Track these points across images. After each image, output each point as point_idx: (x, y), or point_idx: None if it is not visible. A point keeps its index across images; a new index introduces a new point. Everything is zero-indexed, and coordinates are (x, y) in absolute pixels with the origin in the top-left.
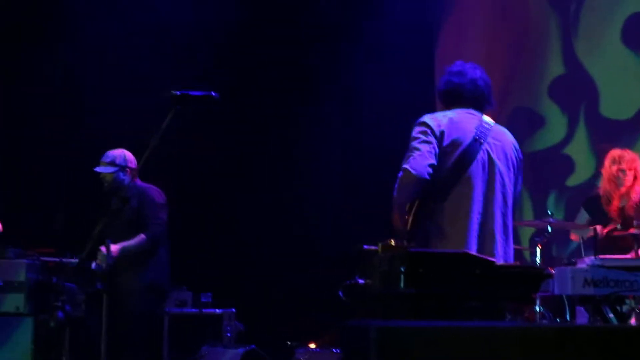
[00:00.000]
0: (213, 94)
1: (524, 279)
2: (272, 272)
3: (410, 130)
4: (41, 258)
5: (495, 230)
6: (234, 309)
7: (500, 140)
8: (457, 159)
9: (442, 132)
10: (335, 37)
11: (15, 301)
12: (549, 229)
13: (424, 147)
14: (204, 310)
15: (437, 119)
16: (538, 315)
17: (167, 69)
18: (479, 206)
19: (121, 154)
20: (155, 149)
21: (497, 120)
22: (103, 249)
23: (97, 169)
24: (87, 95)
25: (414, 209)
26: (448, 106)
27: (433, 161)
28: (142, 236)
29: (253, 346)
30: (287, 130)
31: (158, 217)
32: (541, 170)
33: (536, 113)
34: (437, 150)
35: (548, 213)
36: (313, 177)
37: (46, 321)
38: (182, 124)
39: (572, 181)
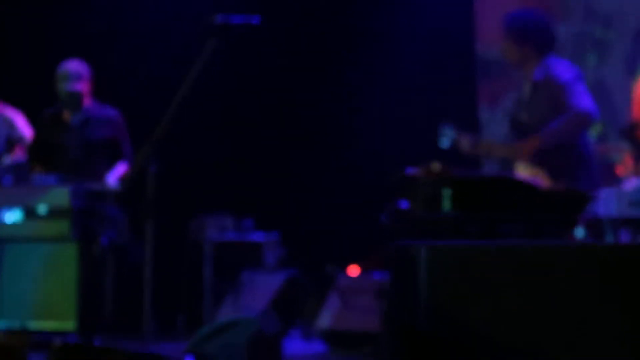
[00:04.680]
0: (254, 20)
1: (567, 202)
2: (315, 195)
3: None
4: (85, 184)
5: None
6: (276, 234)
7: None
8: None
9: None
10: None
11: (59, 227)
12: None
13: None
14: (245, 236)
15: None
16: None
17: None
18: None
19: (84, 64)
20: (198, 75)
21: None
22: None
23: (77, 88)
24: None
25: None
26: (543, 52)
27: None
28: (124, 165)
29: (294, 271)
30: (330, 59)
31: (131, 145)
32: None
33: None
34: None
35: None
36: (356, 101)
37: (90, 247)
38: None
39: None
